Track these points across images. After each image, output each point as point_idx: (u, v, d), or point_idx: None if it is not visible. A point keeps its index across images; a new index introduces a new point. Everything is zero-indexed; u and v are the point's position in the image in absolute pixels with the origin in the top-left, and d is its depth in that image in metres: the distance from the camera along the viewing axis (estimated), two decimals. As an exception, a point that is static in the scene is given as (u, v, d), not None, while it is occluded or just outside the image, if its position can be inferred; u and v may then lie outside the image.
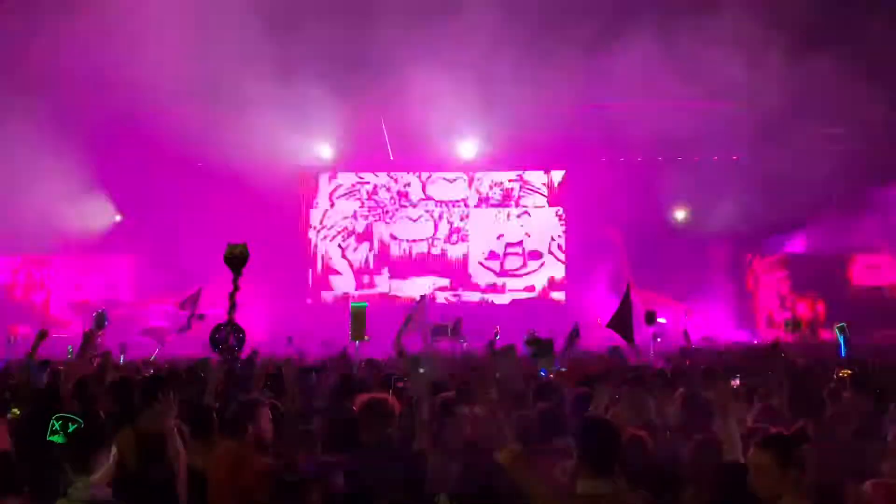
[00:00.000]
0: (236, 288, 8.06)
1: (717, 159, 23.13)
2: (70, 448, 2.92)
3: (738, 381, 5.93)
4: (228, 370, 6.68)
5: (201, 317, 13.00)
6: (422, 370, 4.86)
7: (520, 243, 24.45)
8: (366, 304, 12.16)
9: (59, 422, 2.97)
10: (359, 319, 11.56)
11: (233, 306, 8.13)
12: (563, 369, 8.15)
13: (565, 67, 19.04)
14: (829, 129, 21.66)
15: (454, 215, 24.71)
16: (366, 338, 11.51)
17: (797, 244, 22.81)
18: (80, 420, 2.98)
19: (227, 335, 8.14)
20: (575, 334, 9.82)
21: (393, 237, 24.63)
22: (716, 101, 21.96)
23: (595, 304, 19.61)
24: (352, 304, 12.16)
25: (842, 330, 11.58)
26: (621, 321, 9.64)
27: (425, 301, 12.52)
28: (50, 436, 2.95)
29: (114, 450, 3.06)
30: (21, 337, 14.43)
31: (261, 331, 16.70)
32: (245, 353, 8.61)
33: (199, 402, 4.81)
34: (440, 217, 24.67)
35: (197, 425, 4.29)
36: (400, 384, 5.86)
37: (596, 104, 21.67)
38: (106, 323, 13.82)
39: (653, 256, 21.31)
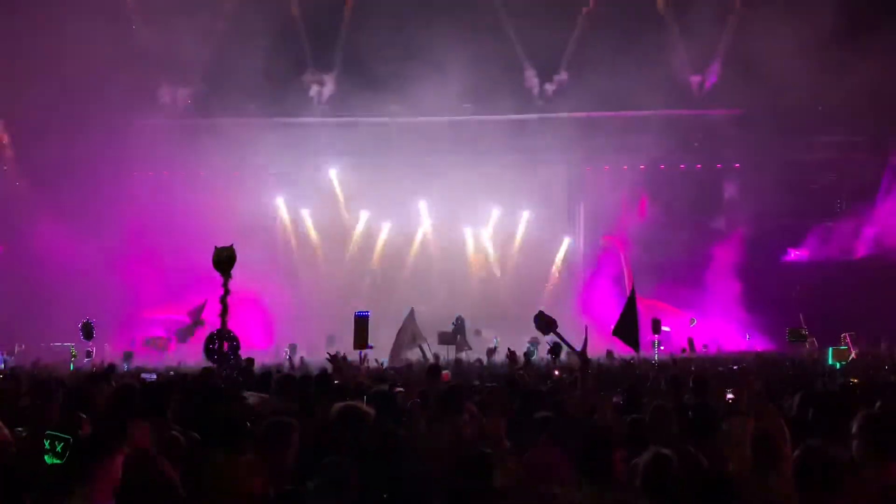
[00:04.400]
0: (227, 291, 8.01)
1: (720, 167, 23.13)
2: (67, 461, 2.92)
3: (731, 396, 5.81)
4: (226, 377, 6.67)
5: (201, 322, 12.99)
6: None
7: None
8: (369, 312, 12.13)
9: (48, 440, 2.97)
10: (362, 328, 11.52)
11: (224, 310, 8.09)
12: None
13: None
14: (835, 137, 21.67)
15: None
16: (369, 345, 11.49)
17: (802, 252, 22.69)
18: (68, 437, 2.97)
19: (221, 343, 8.16)
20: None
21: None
22: (719, 109, 21.98)
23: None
24: (356, 312, 12.07)
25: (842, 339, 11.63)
26: (626, 328, 9.47)
27: (413, 314, 12.78)
28: (45, 455, 2.95)
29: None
30: None
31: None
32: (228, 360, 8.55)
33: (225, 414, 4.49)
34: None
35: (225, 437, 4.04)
36: (398, 389, 5.90)
37: (603, 111, 21.71)
38: (94, 333, 13.82)
39: (658, 264, 21.21)
